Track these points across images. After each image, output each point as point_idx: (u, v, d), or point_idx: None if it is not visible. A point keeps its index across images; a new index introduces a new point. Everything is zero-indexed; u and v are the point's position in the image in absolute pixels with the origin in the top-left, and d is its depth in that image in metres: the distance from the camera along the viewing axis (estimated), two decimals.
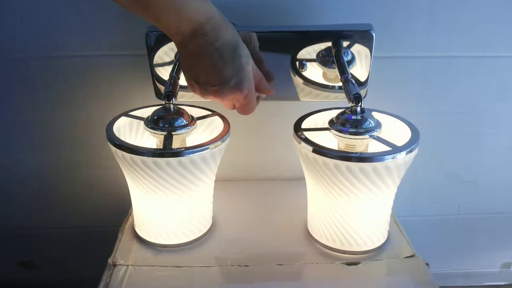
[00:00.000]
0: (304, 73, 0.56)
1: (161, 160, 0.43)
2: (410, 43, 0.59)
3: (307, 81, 0.57)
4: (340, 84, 0.53)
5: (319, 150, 0.44)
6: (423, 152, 0.67)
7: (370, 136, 0.45)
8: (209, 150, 0.45)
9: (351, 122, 0.46)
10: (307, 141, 0.45)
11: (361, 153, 0.45)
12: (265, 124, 0.63)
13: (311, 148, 0.44)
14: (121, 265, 0.48)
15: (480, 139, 0.67)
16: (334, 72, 0.55)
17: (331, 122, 0.48)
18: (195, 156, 0.44)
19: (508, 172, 0.71)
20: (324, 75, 0.57)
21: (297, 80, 0.57)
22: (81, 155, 0.66)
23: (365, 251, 0.50)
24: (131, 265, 0.48)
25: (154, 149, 0.45)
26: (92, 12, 0.56)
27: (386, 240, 0.52)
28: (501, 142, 0.68)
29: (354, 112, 0.46)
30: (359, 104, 0.45)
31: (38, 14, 0.56)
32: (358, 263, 0.49)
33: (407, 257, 0.49)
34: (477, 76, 0.62)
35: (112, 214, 0.63)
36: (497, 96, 0.64)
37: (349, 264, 0.49)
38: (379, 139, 0.45)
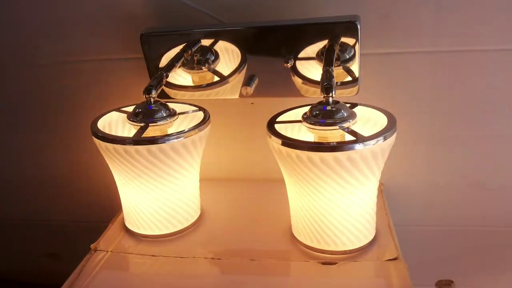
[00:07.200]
0: (294, 69, 0.55)
1: (131, 148, 0.45)
2: (416, 38, 0.56)
3: (299, 77, 0.56)
4: (337, 80, 0.52)
5: (288, 142, 0.43)
6: (438, 156, 0.62)
7: (340, 127, 0.43)
8: (182, 138, 0.46)
9: (323, 113, 0.44)
10: (277, 134, 0.44)
11: (329, 142, 0.43)
12: (253, 123, 0.62)
13: (280, 141, 0.43)
14: (101, 250, 0.50)
15: (503, 141, 0.61)
16: None
17: (304, 115, 0.46)
18: (165, 145, 0.46)
19: None
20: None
21: (289, 76, 0.56)
22: (83, 154, 0.70)
23: (344, 251, 0.47)
24: (111, 251, 0.50)
25: (126, 137, 0.47)
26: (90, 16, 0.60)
27: (371, 242, 0.48)
28: None
29: (326, 103, 0.44)
30: (330, 95, 0.44)
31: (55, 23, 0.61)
32: (335, 263, 0.46)
33: (389, 259, 0.46)
34: (495, 71, 0.57)
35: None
36: None
37: (324, 263, 0.46)
38: (349, 131, 0.43)
